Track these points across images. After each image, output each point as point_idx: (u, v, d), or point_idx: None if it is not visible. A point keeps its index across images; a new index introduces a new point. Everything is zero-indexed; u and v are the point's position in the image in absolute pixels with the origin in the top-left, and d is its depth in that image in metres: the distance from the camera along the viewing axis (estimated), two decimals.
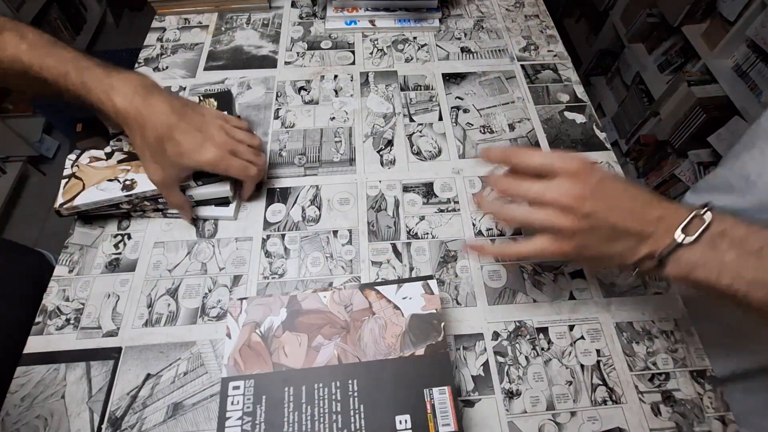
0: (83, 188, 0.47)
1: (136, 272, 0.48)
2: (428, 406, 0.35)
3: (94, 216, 0.51)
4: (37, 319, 0.45)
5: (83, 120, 0.52)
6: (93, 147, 0.50)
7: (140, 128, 0.41)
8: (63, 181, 0.48)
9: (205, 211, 0.51)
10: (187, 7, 0.73)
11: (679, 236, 0.31)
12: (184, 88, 0.63)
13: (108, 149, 0.50)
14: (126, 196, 0.47)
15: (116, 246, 0.50)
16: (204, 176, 0.48)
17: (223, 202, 0.51)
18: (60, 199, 0.47)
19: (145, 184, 0.47)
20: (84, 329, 0.44)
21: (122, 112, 0.40)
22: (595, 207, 0.32)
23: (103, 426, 0.39)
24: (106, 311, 0.45)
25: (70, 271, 0.48)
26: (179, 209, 0.48)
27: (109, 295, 0.46)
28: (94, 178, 0.48)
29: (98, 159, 0.49)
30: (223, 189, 0.49)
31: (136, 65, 0.67)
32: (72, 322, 0.45)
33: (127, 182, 0.47)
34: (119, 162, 0.49)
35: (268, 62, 0.67)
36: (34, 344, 0.43)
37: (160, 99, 0.42)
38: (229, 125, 0.48)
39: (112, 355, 0.43)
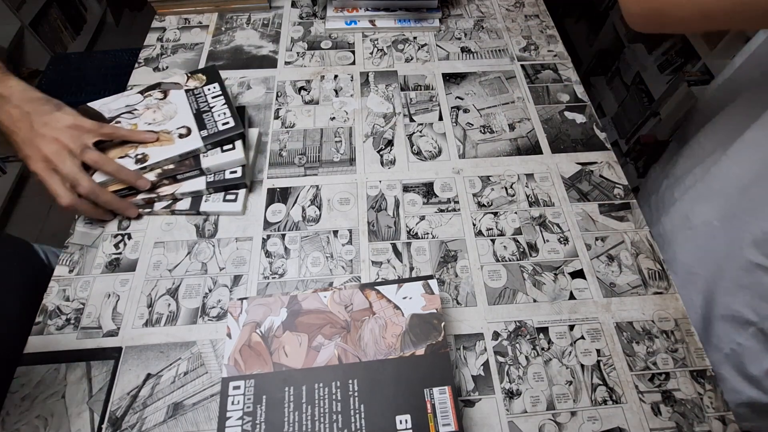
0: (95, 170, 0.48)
1: (136, 272, 0.48)
2: (428, 406, 0.35)
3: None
4: (37, 319, 0.45)
5: (76, 110, 0.52)
6: None
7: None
8: None
9: (213, 207, 0.51)
10: (187, 7, 0.73)
11: None
12: None
13: None
14: (140, 169, 0.49)
15: (116, 246, 0.50)
16: (214, 143, 0.51)
17: (235, 186, 0.52)
18: None
19: (157, 155, 0.49)
20: (84, 329, 0.44)
21: None
22: None
23: (104, 426, 0.39)
24: (107, 311, 0.45)
25: (70, 271, 0.48)
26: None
27: (109, 295, 0.46)
28: None
29: (102, 142, 0.50)
30: (237, 157, 0.51)
31: (136, 65, 0.67)
32: (72, 322, 0.45)
33: (139, 156, 0.49)
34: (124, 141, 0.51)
35: (268, 62, 0.67)
36: (34, 344, 0.43)
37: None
38: (75, 133, 0.46)
39: (113, 355, 0.43)
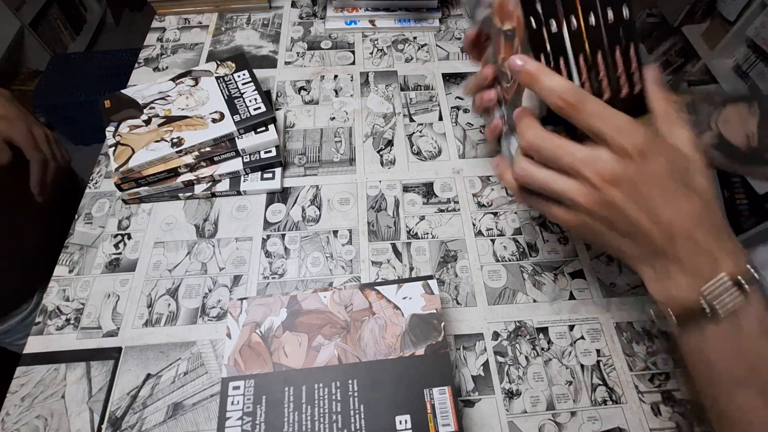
0: (133, 153, 0.49)
1: (136, 272, 0.48)
2: (428, 406, 0.35)
3: (96, 215, 0.51)
4: (37, 319, 0.45)
5: (110, 97, 0.55)
6: (128, 117, 0.53)
7: None
8: (110, 150, 0.50)
9: (253, 186, 0.53)
10: (187, 7, 0.73)
11: (705, 302, 0.27)
12: None
13: (144, 117, 0.53)
14: (177, 152, 0.50)
15: (116, 246, 0.50)
16: (248, 127, 0.53)
17: (270, 165, 0.54)
18: (114, 164, 0.49)
19: (192, 139, 0.51)
20: (84, 329, 0.44)
21: None
22: (621, 198, 0.27)
23: (103, 426, 0.40)
24: (106, 311, 0.45)
25: (70, 271, 0.48)
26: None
27: (109, 295, 0.46)
28: (140, 142, 0.51)
29: (138, 126, 0.52)
30: (271, 138, 0.53)
31: (136, 65, 0.67)
32: (72, 322, 0.45)
33: (175, 140, 0.51)
34: (159, 126, 0.52)
35: (268, 62, 0.67)
36: (34, 344, 0.43)
37: None
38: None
39: (112, 355, 0.43)
